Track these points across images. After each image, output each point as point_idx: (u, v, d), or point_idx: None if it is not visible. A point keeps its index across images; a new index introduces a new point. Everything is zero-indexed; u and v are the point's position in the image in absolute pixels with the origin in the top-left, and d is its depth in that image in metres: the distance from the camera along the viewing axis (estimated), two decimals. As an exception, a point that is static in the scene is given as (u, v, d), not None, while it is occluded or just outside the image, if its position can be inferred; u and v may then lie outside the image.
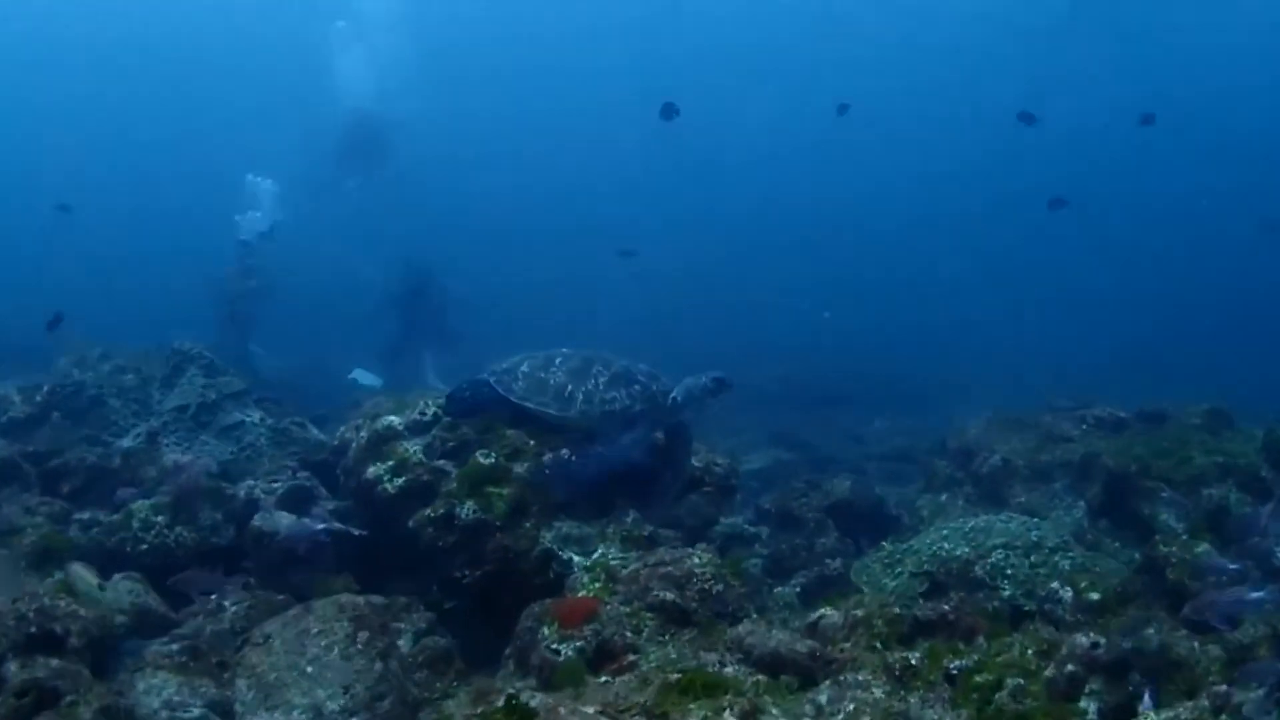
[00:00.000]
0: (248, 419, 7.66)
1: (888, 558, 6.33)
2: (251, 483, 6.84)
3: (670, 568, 4.80)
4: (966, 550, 5.97)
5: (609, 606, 4.58)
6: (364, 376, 13.51)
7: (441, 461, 6.08)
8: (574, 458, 5.87)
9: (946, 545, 6.12)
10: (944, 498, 8.54)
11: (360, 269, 16.42)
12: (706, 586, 4.72)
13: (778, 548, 7.85)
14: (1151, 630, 3.93)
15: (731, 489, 7.12)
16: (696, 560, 4.86)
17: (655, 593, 4.65)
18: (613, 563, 5.13)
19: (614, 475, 5.90)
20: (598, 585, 4.82)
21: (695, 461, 6.83)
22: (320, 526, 5.66)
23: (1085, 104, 29.34)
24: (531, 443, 6.03)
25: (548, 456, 5.88)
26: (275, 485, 6.84)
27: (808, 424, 13.47)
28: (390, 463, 6.10)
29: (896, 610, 4.15)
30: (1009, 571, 5.71)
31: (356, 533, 6.22)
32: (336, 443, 7.07)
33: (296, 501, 6.69)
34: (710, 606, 4.66)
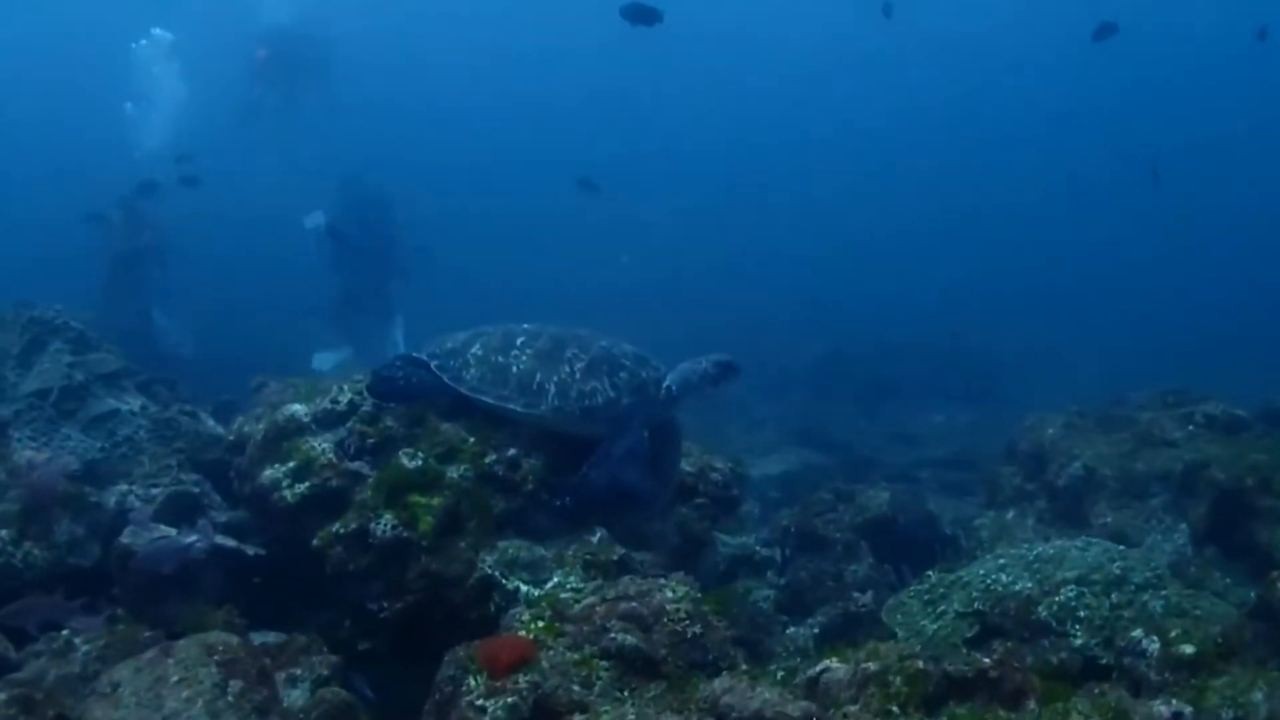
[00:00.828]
0: (124, 407, 7.48)
1: (929, 592, 6.09)
2: (125, 488, 6.75)
3: (635, 603, 4.58)
4: (1030, 585, 5.73)
5: (552, 652, 4.37)
6: (326, 360, 13.30)
7: (357, 463, 5.94)
8: (569, 500, 5.75)
9: (1004, 578, 5.88)
10: (1010, 515, 8.38)
11: (296, 216, 16.28)
12: (680, 628, 4.50)
13: (797, 576, 7.71)
14: (1259, 695, 3.70)
15: (733, 501, 6.94)
16: (669, 594, 4.64)
17: (613, 635, 4.43)
18: (564, 595, 4.92)
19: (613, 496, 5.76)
20: (540, 624, 4.61)
21: (686, 465, 6.64)
22: (191, 540, 5.48)
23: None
24: (471, 440, 5.88)
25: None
26: (155, 491, 6.74)
27: (845, 418, 13.31)
28: (292, 463, 5.96)
29: (920, 664, 3.89)
30: (1082, 614, 5.46)
31: (251, 552, 6.10)
32: (233, 438, 6.91)
33: (179, 511, 6.59)
34: (684, 654, 4.44)
